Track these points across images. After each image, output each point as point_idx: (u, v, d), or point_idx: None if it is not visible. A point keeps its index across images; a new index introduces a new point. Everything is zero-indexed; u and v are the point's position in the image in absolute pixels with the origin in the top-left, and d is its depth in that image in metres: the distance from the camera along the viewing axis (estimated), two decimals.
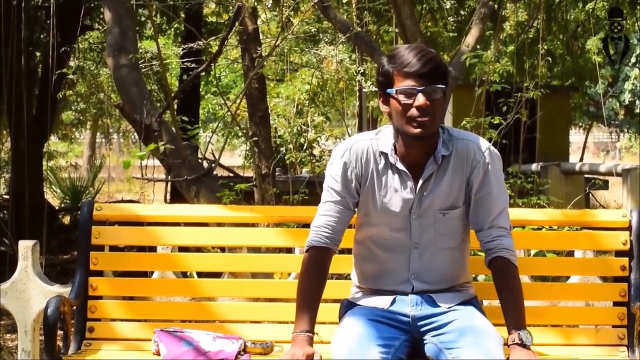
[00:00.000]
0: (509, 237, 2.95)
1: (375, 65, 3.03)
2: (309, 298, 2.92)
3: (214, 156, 6.42)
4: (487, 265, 2.95)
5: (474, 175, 2.94)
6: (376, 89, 2.99)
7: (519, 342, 2.78)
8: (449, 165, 2.94)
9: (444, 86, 2.85)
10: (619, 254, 3.30)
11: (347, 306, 3.01)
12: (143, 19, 12.19)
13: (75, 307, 3.22)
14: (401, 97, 2.83)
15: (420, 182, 2.92)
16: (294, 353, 2.77)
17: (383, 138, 2.99)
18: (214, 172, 6.53)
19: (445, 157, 2.93)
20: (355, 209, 3.02)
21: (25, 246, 3.92)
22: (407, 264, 2.94)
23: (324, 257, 2.98)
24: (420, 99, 2.81)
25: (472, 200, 2.95)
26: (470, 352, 2.67)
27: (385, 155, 2.96)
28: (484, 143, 3.00)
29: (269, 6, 8.44)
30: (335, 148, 3.06)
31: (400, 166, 2.93)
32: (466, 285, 3.03)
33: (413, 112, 2.82)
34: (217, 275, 3.75)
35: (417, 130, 2.83)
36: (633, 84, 19.73)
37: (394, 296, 2.92)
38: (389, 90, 2.86)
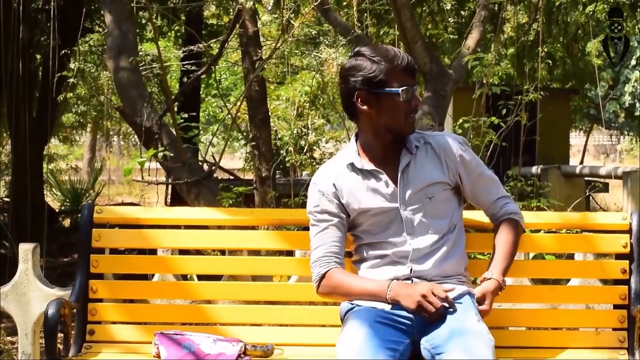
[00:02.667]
0: (512, 202, 3.15)
1: (355, 64, 3.02)
2: (357, 278, 2.99)
3: (214, 159, 6.41)
4: (495, 229, 3.11)
5: (459, 163, 3.06)
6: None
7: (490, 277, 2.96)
8: (425, 155, 3.04)
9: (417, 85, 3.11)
10: (619, 256, 3.30)
11: (348, 307, 3.00)
12: (143, 21, 12.19)
13: (75, 310, 3.23)
14: (404, 96, 2.93)
15: (400, 171, 2.99)
16: (419, 291, 2.82)
17: (345, 152, 3.11)
18: (214, 175, 6.52)
19: (418, 148, 3.04)
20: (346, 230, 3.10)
21: (25, 249, 3.92)
22: (405, 254, 2.96)
23: (342, 270, 3.03)
24: (417, 97, 2.99)
25: (468, 185, 3.08)
26: (455, 353, 2.66)
27: (351, 164, 3.04)
28: (456, 136, 3.17)
29: (269, 9, 8.44)
30: (310, 183, 3.16)
31: (368, 167, 3.02)
32: (463, 279, 3.04)
33: (409, 109, 2.97)
34: (217, 278, 3.75)
35: (412, 127, 3.02)
36: (633, 86, 19.72)
37: None
38: (391, 90, 2.92)
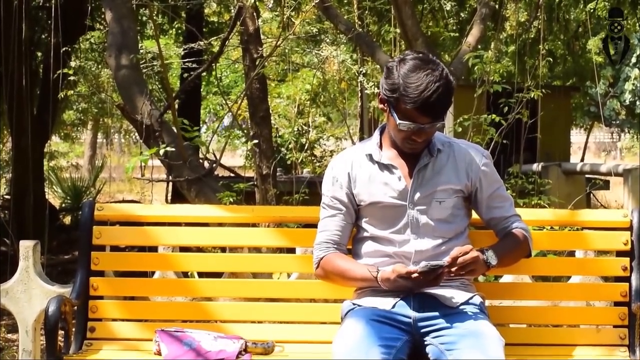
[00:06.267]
0: (522, 221, 3.11)
1: (379, 66, 3.00)
2: (350, 264, 3.02)
3: (215, 156, 6.41)
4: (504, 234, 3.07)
5: (481, 176, 3.04)
6: (377, 90, 3.02)
7: (481, 252, 2.87)
8: (446, 160, 3.02)
9: (443, 122, 2.92)
10: (619, 254, 3.30)
11: (349, 307, 3.01)
12: (144, 19, 12.19)
13: (76, 307, 3.23)
14: (402, 127, 2.87)
15: (415, 171, 2.99)
16: (390, 275, 2.84)
17: (367, 142, 3.12)
18: (215, 173, 6.51)
19: (440, 151, 3.01)
20: (353, 220, 3.11)
21: (26, 246, 3.91)
22: (408, 254, 2.96)
23: (340, 254, 3.06)
24: (421, 135, 2.89)
25: (486, 198, 3.06)
26: (470, 352, 2.67)
27: (370, 155, 3.04)
28: (481, 148, 3.13)
29: (269, 6, 8.45)
30: (328, 165, 3.16)
31: (385, 161, 3.02)
32: (467, 283, 3.03)
33: (410, 138, 2.91)
34: (218, 275, 3.75)
35: (409, 151, 2.97)
36: (633, 84, 19.69)
37: (397, 300, 2.91)
38: (392, 113, 2.88)
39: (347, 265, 3.02)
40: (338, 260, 3.04)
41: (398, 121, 2.86)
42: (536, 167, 11.41)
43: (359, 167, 3.05)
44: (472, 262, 2.81)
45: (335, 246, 3.06)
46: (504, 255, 2.96)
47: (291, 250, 3.61)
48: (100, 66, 10.12)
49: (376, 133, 3.10)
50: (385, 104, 2.93)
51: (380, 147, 3.06)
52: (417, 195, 2.98)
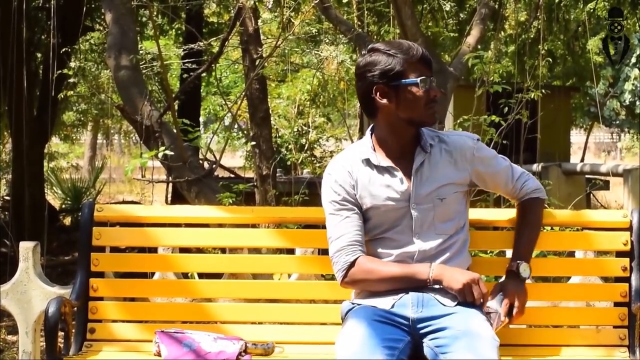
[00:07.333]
0: (531, 178, 3.17)
1: (370, 60, 2.99)
2: (390, 263, 2.96)
3: (214, 157, 6.41)
4: (517, 209, 3.17)
5: (475, 162, 3.05)
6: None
7: (515, 270, 2.99)
8: (439, 154, 3.03)
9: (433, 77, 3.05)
10: (619, 254, 3.29)
11: (349, 307, 3.00)
12: (144, 19, 12.20)
13: (76, 308, 3.22)
14: (422, 87, 2.92)
15: (414, 171, 2.98)
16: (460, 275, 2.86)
17: (359, 146, 3.10)
18: (215, 173, 6.51)
19: (432, 146, 3.02)
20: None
21: (26, 247, 3.92)
22: (411, 254, 2.96)
23: (370, 257, 3.00)
24: (436, 91, 2.97)
25: (489, 179, 3.10)
26: (463, 354, 2.67)
27: (367, 160, 3.02)
28: (469, 133, 3.17)
29: (269, 7, 8.44)
30: (324, 175, 3.13)
31: (384, 163, 3.00)
32: None
33: (429, 100, 2.95)
34: (218, 276, 3.75)
35: (433, 117, 3.00)
36: (633, 84, 19.73)
37: (395, 299, 2.91)
38: (409, 81, 2.91)
39: (389, 266, 2.95)
40: (374, 262, 2.96)
41: (418, 80, 2.90)
42: (536, 167, 11.42)
43: (358, 170, 3.03)
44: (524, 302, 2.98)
45: (361, 247, 2.98)
46: (530, 249, 3.09)
47: (291, 251, 3.61)
48: (100, 67, 10.13)
49: (367, 136, 3.09)
50: (390, 90, 2.93)
51: (374, 149, 3.05)
52: (419, 195, 2.98)
